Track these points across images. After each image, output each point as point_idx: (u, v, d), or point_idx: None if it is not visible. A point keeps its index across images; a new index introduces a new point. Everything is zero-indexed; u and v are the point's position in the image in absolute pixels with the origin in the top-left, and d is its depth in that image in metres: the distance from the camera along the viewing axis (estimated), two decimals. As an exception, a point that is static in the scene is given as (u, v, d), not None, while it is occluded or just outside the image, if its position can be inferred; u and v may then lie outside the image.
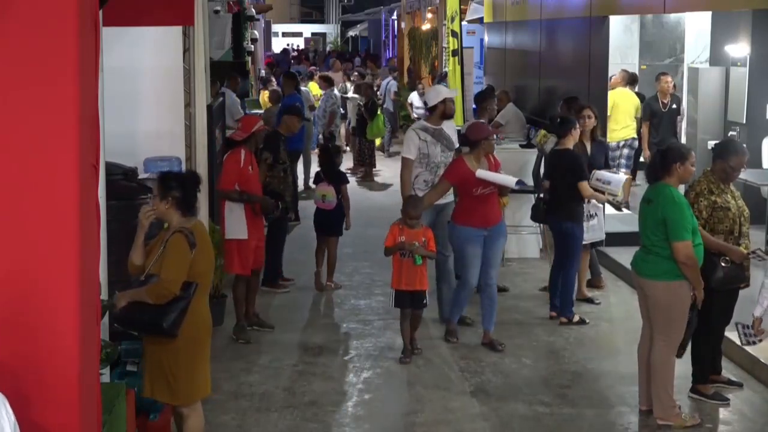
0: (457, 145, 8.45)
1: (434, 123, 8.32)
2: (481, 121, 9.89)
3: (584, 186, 8.28)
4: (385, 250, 7.44)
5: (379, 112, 16.95)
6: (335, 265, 9.68)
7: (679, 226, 5.89)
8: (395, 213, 13.96)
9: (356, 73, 20.85)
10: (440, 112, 8.31)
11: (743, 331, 6.13)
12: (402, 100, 20.17)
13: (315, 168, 14.67)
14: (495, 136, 8.74)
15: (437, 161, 8.21)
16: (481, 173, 7.59)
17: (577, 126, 8.47)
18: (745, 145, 6.82)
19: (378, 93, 20.50)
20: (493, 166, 7.81)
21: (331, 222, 9.53)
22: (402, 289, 7.41)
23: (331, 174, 9.52)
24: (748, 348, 7.06)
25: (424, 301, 7.53)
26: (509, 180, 7.76)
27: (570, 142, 8.38)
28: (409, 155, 8.24)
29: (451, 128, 8.60)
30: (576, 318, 8.38)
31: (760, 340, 6.12)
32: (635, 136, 12.44)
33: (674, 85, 12.71)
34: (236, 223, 7.84)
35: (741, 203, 6.40)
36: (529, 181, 10.11)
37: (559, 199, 8.40)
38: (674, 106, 12.19)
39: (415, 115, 17.92)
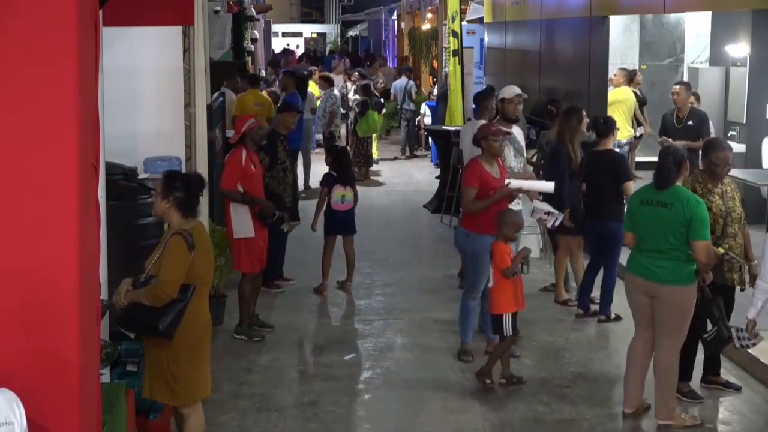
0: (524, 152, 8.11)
1: (504, 125, 7.80)
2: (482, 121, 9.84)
3: (630, 186, 8.07)
4: (506, 271, 6.76)
5: (371, 110, 16.82)
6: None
7: (706, 225, 5.93)
8: (394, 213, 13.94)
9: (356, 74, 20.83)
10: (500, 112, 8.06)
11: (737, 334, 6.14)
12: (420, 99, 19.97)
13: (315, 168, 14.67)
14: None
15: (511, 165, 7.81)
16: (515, 183, 7.17)
17: (616, 127, 8.37)
18: (744, 145, 6.81)
19: (392, 95, 20.43)
20: (503, 170, 7.41)
21: (349, 221, 9.56)
22: (515, 311, 6.89)
23: (346, 175, 9.47)
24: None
25: None
26: (547, 185, 7.37)
27: (610, 143, 8.28)
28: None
29: (519, 134, 8.17)
30: (613, 315, 8.39)
31: (754, 344, 6.12)
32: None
33: (697, 98, 11.13)
34: (243, 222, 7.84)
35: (731, 204, 6.39)
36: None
37: (604, 200, 8.21)
38: (690, 122, 10.29)
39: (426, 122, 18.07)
